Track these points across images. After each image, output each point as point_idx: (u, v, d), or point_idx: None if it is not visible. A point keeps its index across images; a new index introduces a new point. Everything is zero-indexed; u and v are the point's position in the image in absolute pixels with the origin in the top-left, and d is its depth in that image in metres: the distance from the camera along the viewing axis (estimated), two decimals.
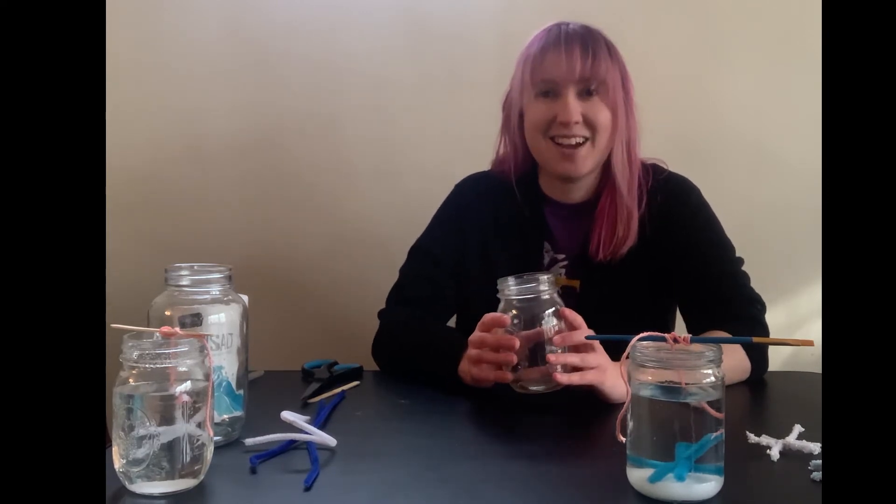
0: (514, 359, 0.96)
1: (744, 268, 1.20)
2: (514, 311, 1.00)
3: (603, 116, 1.14)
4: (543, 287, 1.00)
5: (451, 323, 1.31)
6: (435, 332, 1.18)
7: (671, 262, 1.19)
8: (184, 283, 0.83)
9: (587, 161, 1.15)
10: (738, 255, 1.21)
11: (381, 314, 1.24)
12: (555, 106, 1.14)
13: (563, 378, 0.94)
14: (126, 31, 1.58)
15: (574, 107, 1.12)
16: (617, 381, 0.96)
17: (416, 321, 1.20)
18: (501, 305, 1.02)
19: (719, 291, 1.16)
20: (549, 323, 0.98)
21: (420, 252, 1.26)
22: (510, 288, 1.00)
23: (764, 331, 1.14)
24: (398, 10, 1.63)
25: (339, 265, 1.66)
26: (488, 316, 1.01)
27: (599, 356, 0.97)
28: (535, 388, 0.99)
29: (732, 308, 1.14)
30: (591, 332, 0.97)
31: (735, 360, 1.07)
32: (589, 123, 1.13)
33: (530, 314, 0.99)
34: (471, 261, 1.24)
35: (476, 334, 1.02)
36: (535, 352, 0.98)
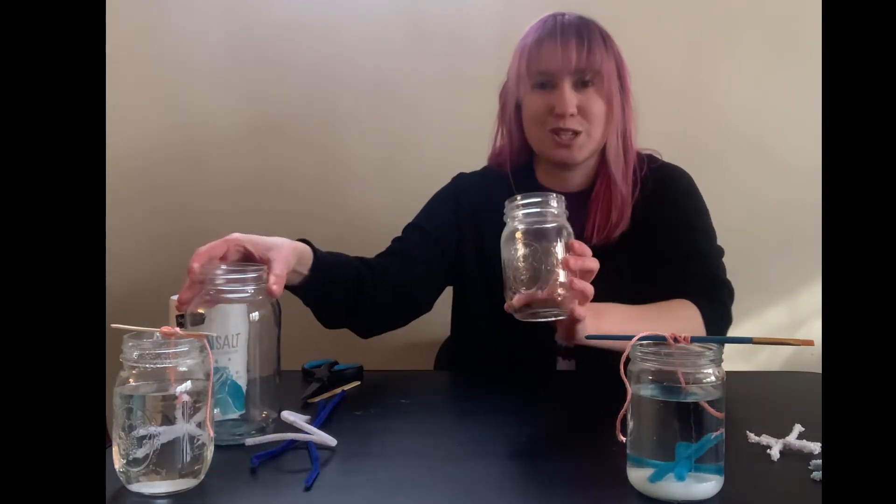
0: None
1: (724, 259, 1.20)
2: (518, 233, 0.92)
3: (598, 107, 1.15)
4: (553, 206, 0.93)
5: (441, 305, 1.29)
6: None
7: (656, 244, 1.20)
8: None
9: (583, 149, 1.17)
10: (722, 247, 1.21)
11: None
12: (551, 97, 1.15)
13: (578, 310, 0.92)
14: (126, 28, 1.58)
15: (570, 98, 1.13)
16: (589, 323, 0.95)
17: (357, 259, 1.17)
18: (507, 229, 0.94)
19: (686, 266, 1.17)
20: (558, 248, 0.92)
21: (410, 227, 1.27)
22: (518, 208, 0.92)
23: (725, 311, 1.14)
24: (398, 9, 1.63)
25: None
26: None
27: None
28: (544, 311, 0.92)
29: (696, 284, 1.14)
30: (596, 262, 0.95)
31: (680, 323, 1.07)
32: (584, 114, 1.15)
33: (538, 238, 0.91)
34: (466, 244, 1.25)
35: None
36: (538, 276, 0.91)
